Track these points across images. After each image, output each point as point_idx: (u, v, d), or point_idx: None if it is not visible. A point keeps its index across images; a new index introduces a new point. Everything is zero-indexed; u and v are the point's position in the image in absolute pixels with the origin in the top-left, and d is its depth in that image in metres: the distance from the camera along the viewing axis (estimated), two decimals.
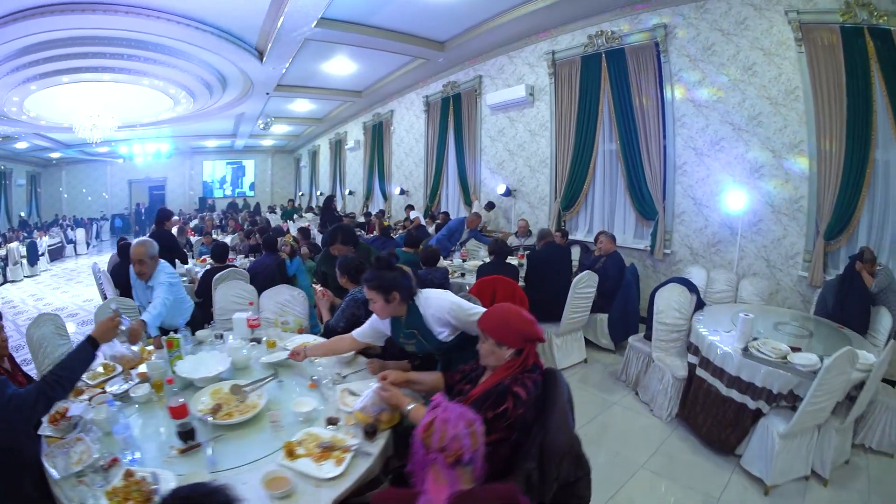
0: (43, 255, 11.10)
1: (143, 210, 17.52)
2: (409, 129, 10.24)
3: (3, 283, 9.41)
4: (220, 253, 4.36)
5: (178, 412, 1.81)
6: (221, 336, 2.84)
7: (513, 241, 6.53)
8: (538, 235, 5.02)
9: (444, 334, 2.08)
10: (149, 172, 17.71)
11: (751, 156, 4.52)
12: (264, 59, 6.86)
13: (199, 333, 2.86)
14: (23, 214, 15.55)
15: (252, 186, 19.58)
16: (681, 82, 4.97)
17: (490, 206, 7.58)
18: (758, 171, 4.49)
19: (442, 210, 8.88)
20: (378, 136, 11.52)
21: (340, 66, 8.30)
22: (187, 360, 2.32)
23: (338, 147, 14.44)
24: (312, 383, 2.18)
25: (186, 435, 1.68)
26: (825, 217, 4.07)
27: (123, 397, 2.07)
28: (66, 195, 17.51)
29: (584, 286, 3.98)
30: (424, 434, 1.27)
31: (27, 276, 10.14)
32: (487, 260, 4.62)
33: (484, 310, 1.90)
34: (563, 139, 6.26)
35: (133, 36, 5.56)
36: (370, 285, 2.06)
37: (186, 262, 5.38)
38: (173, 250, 4.90)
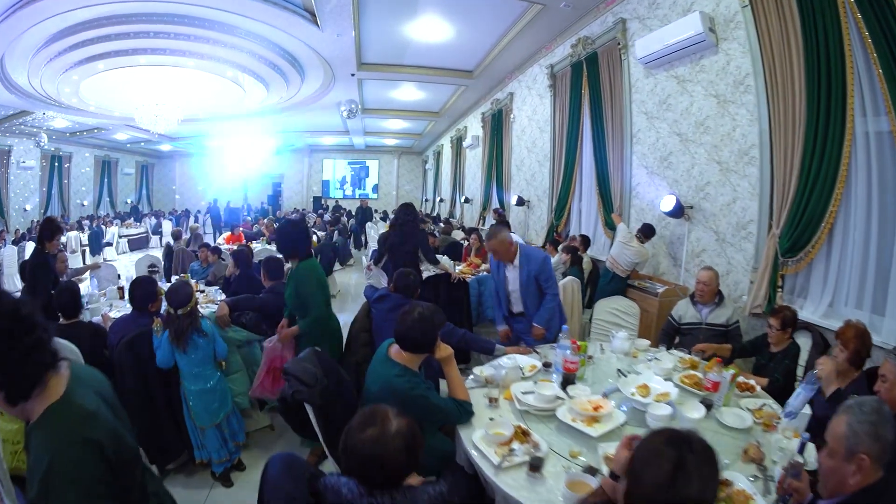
0: (109, 244, 11.16)
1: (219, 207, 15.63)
2: (532, 114, 7.63)
3: None
4: (67, 303, 2.40)
5: None
6: None
7: (684, 309, 3.19)
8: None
9: None
10: (264, 168, 17.58)
11: None
12: (318, 20, 5.13)
13: None
14: (130, 201, 16.78)
15: (375, 188, 18.73)
16: None
17: (649, 231, 4.32)
18: None
19: (570, 233, 6.07)
20: (497, 128, 9.18)
21: (433, 30, 6.29)
22: None
23: (458, 145, 12.57)
24: None
25: None
26: None
27: None
28: (175, 187, 18.80)
29: None
30: None
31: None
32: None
33: None
34: (782, 107, 3.04)
35: (151, 9, 4.53)
36: None
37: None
38: (44, 281, 3.24)
